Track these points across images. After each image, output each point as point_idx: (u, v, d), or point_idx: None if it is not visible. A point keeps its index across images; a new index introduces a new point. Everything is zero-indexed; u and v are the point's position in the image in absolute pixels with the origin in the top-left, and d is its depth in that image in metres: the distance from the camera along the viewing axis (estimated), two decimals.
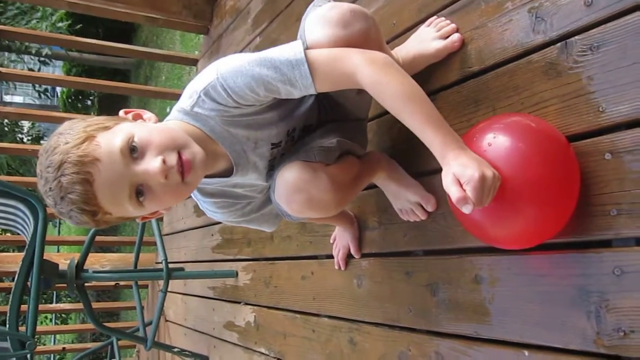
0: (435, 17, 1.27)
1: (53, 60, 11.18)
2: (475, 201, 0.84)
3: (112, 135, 0.93)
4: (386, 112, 1.39)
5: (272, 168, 1.16)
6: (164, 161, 0.92)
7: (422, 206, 1.25)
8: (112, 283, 3.39)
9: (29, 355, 2.04)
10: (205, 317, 2.74)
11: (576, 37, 0.94)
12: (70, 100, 11.40)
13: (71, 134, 0.91)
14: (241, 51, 2.58)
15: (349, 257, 1.53)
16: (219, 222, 2.57)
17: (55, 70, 14.78)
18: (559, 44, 0.97)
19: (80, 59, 10.26)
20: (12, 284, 2.02)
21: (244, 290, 2.30)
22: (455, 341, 1.16)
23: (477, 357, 1.11)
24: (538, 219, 0.89)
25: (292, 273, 1.87)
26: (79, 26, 8.97)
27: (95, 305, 4.87)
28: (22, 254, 2.01)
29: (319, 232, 1.71)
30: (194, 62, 3.35)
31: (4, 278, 3.54)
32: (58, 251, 8.23)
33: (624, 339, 0.83)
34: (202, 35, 3.29)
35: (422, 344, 1.26)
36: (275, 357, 1.96)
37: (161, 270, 2.33)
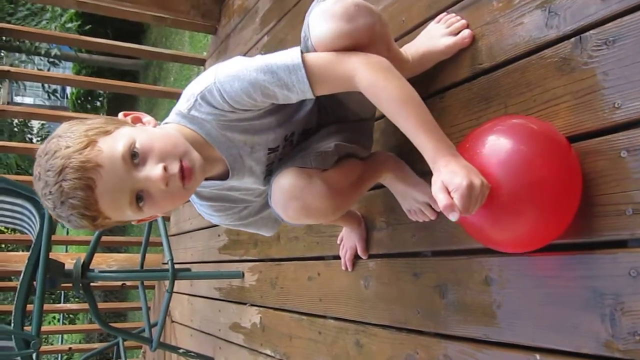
0: (445, 13, 1.25)
1: (62, 62, 11.24)
2: (462, 209, 0.84)
3: (114, 140, 0.92)
4: None
5: (270, 173, 1.15)
6: (165, 168, 0.92)
7: (430, 206, 1.23)
8: (119, 283, 3.39)
9: (34, 355, 2.04)
10: (211, 318, 2.72)
11: (591, 32, 0.91)
12: (79, 101, 11.44)
13: (72, 138, 0.90)
14: (249, 51, 2.57)
15: (356, 258, 1.50)
16: None
17: (65, 72, 14.87)
18: (572, 39, 0.94)
19: (90, 60, 10.30)
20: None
21: (250, 291, 2.28)
22: (464, 344, 1.14)
23: None
24: (537, 222, 0.88)
25: (299, 274, 1.85)
26: (88, 27, 8.99)
27: (102, 305, 4.88)
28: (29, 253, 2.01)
29: (325, 233, 1.69)
30: (201, 62, 3.34)
31: (12, 277, 3.53)
32: (66, 251, 8.24)
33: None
34: (210, 36, 3.28)
35: (430, 347, 1.23)
36: (280, 359, 1.94)
37: (167, 270, 2.32)
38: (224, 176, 1.10)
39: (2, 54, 9.50)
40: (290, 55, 0.99)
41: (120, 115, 1.03)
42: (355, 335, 1.49)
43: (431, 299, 1.23)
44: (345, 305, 1.56)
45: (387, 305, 1.38)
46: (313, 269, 1.75)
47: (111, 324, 2.89)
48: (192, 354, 2.65)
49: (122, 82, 4.07)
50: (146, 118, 1.04)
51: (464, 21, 1.19)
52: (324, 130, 1.21)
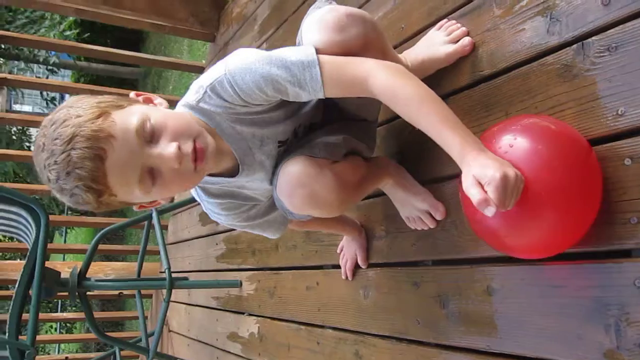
0: (445, 20, 1.24)
1: (61, 70, 11.24)
2: (498, 203, 0.79)
3: (127, 114, 0.90)
4: (395, 118, 1.36)
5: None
6: (179, 147, 0.90)
7: (430, 214, 1.21)
8: (116, 292, 3.37)
9: None
10: (208, 328, 2.70)
11: (593, 38, 0.90)
12: None
13: (83, 108, 0.87)
14: None
15: (356, 267, 1.49)
16: (224, 231, 2.55)
17: (64, 80, 14.88)
18: (574, 45, 0.93)
19: (88, 69, 10.30)
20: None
21: (247, 300, 2.26)
22: (466, 355, 1.12)
23: None
24: (558, 228, 0.85)
25: (297, 283, 1.83)
26: (86, 35, 9.01)
27: (99, 314, 4.85)
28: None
29: (324, 242, 1.67)
30: (200, 69, 3.34)
31: (9, 286, 3.51)
32: (64, 259, 8.22)
33: None
34: (208, 44, 3.28)
35: (430, 358, 1.21)
36: None
37: (164, 279, 2.29)
38: (233, 172, 1.08)
39: (1, 62, 9.51)
40: (305, 52, 0.98)
41: (132, 94, 1.00)
42: (355, 345, 1.47)
43: (432, 309, 1.21)
44: (344, 315, 1.54)
45: (387, 315, 1.36)
46: (312, 278, 1.73)
47: (108, 333, 2.86)
48: None
49: (120, 90, 4.06)
50: (157, 100, 1.01)
51: (464, 28, 1.18)
52: (330, 126, 1.20)
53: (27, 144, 10.57)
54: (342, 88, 1.01)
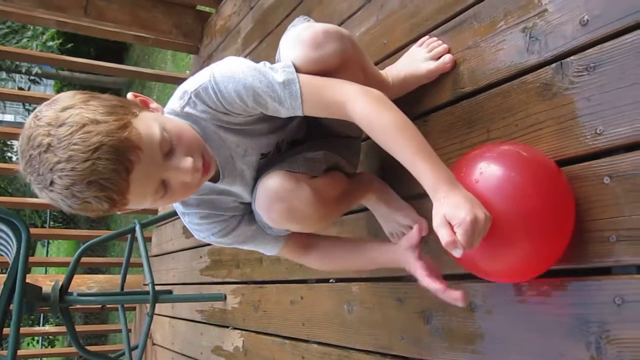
0: (427, 36, 1.25)
1: (44, 79, 11.15)
2: (466, 245, 0.81)
3: (146, 124, 0.88)
4: None
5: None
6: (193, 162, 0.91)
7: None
8: (99, 305, 3.33)
9: None
10: (192, 341, 2.67)
11: (572, 57, 0.91)
12: None
13: (100, 112, 0.83)
14: None
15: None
16: (208, 244, 2.53)
17: (47, 89, 14.75)
18: (554, 65, 0.94)
19: (71, 78, 10.24)
20: None
21: (232, 314, 2.25)
22: None
23: None
24: (533, 253, 0.86)
25: (281, 297, 1.82)
26: (70, 45, 8.95)
27: (81, 328, 4.79)
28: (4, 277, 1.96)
29: None
30: (184, 81, 3.32)
31: None
32: (46, 272, 8.11)
33: None
34: (192, 55, 3.27)
35: None
36: None
37: (147, 293, 2.27)
38: (214, 179, 1.07)
39: None
40: (285, 69, 0.99)
41: (130, 95, 0.98)
42: None
43: (415, 325, 1.21)
44: (328, 329, 1.54)
45: (371, 331, 1.35)
46: (296, 293, 1.72)
47: (91, 347, 2.83)
48: None
49: None
50: (153, 104, 0.99)
51: (445, 45, 1.19)
52: (313, 141, 1.20)
53: (9, 154, 10.46)
54: (321, 109, 1.01)
